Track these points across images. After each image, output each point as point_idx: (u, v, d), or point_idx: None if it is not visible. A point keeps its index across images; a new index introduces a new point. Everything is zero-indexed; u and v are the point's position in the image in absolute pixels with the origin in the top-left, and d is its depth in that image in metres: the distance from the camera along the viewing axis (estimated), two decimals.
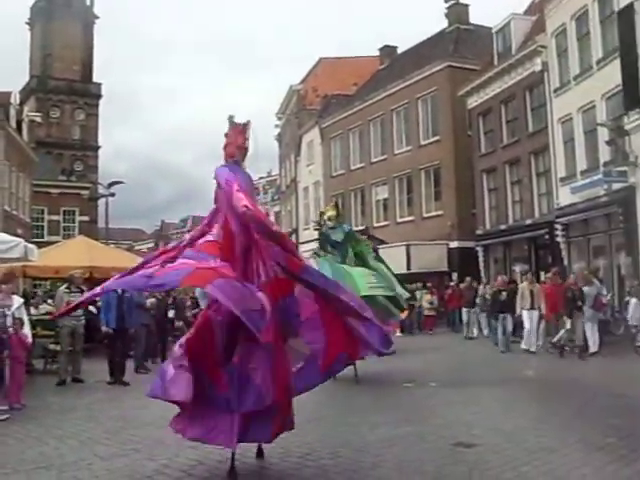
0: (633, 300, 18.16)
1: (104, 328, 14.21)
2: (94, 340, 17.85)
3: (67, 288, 14.25)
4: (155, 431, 8.59)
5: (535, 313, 18.52)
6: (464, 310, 25.46)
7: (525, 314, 18.48)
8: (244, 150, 7.09)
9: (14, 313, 11.56)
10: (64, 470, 6.86)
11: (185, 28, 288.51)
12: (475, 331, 24.78)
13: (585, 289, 17.59)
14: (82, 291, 13.96)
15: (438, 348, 20.96)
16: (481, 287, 25.50)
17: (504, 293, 19.52)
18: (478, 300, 23.99)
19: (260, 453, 7.01)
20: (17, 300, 12.24)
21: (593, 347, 17.06)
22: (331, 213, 15.51)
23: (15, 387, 10.78)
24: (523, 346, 18.49)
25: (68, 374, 13.76)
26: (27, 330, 11.77)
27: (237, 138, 7.04)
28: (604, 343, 17.42)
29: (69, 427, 9.19)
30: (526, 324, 18.45)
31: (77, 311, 13.30)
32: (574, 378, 13.73)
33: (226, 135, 7.13)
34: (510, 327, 19.27)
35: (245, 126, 7.15)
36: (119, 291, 15.08)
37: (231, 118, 7.22)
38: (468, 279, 27.15)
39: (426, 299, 28.61)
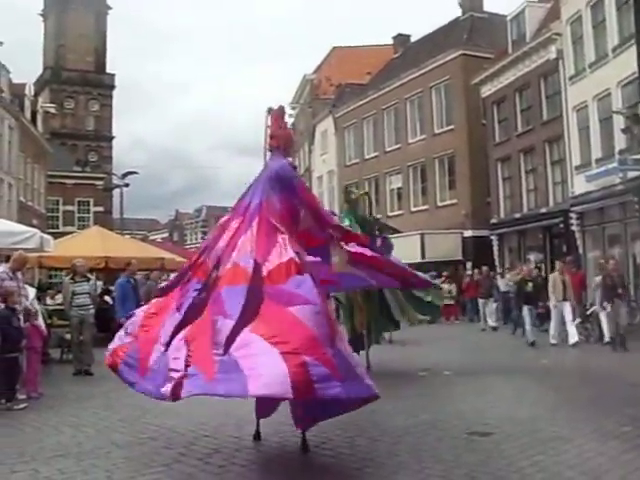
0: None
1: (123, 320, 14.11)
2: (109, 330, 17.96)
3: (71, 278, 14.01)
4: (171, 419, 8.65)
5: (567, 305, 17.44)
6: (481, 301, 24.75)
7: (558, 306, 17.47)
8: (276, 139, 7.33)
9: (31, 303, 11.68)
10: (82, 458, 6.92)
11: (200, 18, 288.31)
12: (491, 322, 23.84)
13: (598, 278, 17.50)
14: (88, 280, 14.05)
15: (454, 338, 20.94)
16: (498, 277, 25.35)
17: (530, 284, 18.48)
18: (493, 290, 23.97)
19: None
20: (31, 290, 12.36)
21: (608, 336, 16.98)
22: (356, 192, 15.45)
23: (32, 376, 10.89)
24: (552, 340, 17.44)
25: (83, 364, 13.55)
26: (41, 320, 11.89)
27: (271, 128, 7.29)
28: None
29: (86, 416, 9.26)
30: (556, 317, 17.51)
31: (84, 301, 13.58)
32: (589, 367, 13.70)
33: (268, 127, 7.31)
34: (530, 319, 18.08)
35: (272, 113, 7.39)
36: (132, 281, 15.18)
37: (269, 110, 7.36)
38: (485, 269, 26.70)
39: (445, 288, 28.39)
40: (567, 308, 17.36)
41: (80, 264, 14.17)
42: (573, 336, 17.04)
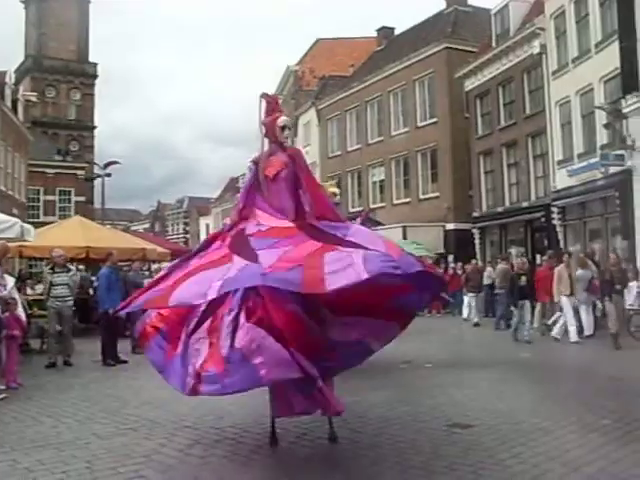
0: (630, 284, 18.13)
1: (111, 310, 13.79)
2: (90, 321, 17.89)
3: (51, 268, 13.69)
4: (152, 411, 8.63)
5: (573, 300, 16.90)
6: (469, 295, 23.71)
7: (564, 300, 16.95)
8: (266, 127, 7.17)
9: (10, 292, 11.59)
10: (62, 449, 6.89)
11: (185, 8, 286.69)
12: (475, 317, 22.78)
13: (579, 272, 17.58)
14: (68, 270, 13.80)
15: (435, 330, 20.94)
16: (488, 269, 25.19)
17: (524, 277, 17.75)
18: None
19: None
20: (10, 280, 12.26)
21: (588, 330, 17.08)
22: (333, 190, 15.42)
23: (11, 366, 10.82)
24: (555, 335, 17.03)
25: (58, 356, 13.32)
26: (20, 310, 11.80)
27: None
28: (599, 326, 17.44)
29: (66, 406, 9.21)
30: (566, 311, 16.88)
31: (61, 292, 13.29)
32: (569, 361, 13.81)
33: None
34: (528, 315, 17.61)
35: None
36: (115, 271, 15.01)
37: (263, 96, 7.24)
38: (474, 261, 26.60)
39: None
40: (573, 303, 16.91)
41: (57, 254, 13.85)
42: (572, 335, 16.54)
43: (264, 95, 7.13)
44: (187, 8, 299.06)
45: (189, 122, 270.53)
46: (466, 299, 24.23)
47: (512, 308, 18.12)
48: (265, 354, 5.67)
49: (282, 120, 6.99)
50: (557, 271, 17.58)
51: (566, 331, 16.85)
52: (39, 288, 19.38)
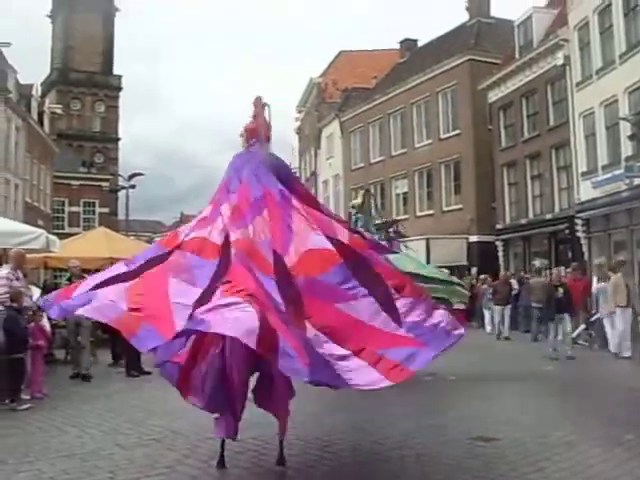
0: None
1: None
2: (114, 331, 17.98)
3: (68, 279, 13.45)
4: (175, 422, 8.66)
5: (629, 311, 16.19)
6: (497, 308, 22.66)
7: (619, 312, 16.16)
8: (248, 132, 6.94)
9: (36, 303, 11.71)
10: (86, 459, 6.93)
11: (208, 20, 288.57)
12: (506, 332, 21.97)
13: (600, 285, 17.43)
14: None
15: (459, 343, 20.81)
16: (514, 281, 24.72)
17: (561, 289, 16.67)
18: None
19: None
20: (35, 291, 12.41)
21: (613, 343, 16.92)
22: (356, 201, 15.36)
23: (36, 377, 10.90)
24: (613, 349, 16.37)
25: (81, 368, 13.03)
26: (45, 320, 11.91)
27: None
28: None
29: (90, 417, 9.27)
30: (619, 325, 16.15)
31: None
32: (594, 374, 13.67)
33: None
34: (568, 328, 16.59)
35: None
36: None
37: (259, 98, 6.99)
38: (503, 274, 25.83)
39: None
40: (628, 316, 16.16)
41: (73, 265, 13.66)
42: (627, 349, 15.93)
43: (256, 99, 6.94)
44: (212, 19, 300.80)
45: (212, 133, 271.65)
46: (488, 313, 23.97)
47: (549, 322, 17.03)
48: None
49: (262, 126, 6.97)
50: (614, 280, 16.78)
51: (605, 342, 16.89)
52: None
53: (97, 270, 22.28)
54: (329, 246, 6.12)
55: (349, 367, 5.32)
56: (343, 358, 5.39)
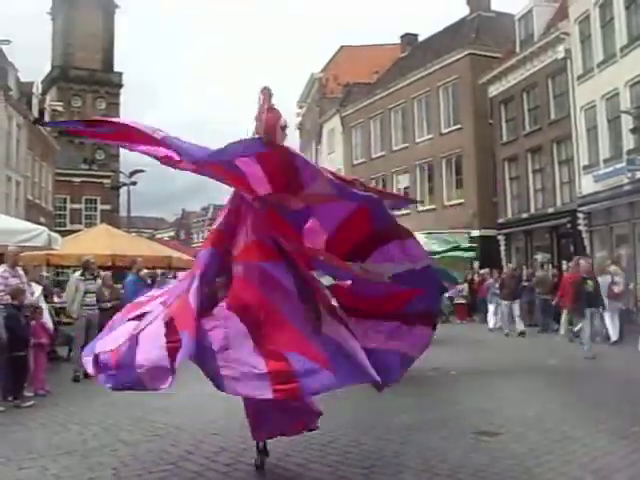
0: None
1: None
2: None
3: (82, 274, 13.09)
4: (178, 418, 8.65)
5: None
6: (504, 302, 21.62)
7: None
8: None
9: (37, 301, 11.72)
10: (89, 456, 6.92)
11: (208, 17, 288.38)
12: (521, 326, 20.86)
13: (600, 279, 17.42)
14: (96, 277, 13.48)
15: (464, 337, 20.81)
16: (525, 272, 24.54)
17: (590, 282, 15.83)
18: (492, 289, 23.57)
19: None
20: (37, 288, 12.39)
21: (614, 336, 16.93)
22: None
23: (39, 374, 10.90)
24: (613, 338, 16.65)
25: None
26: (47, 318, 11.91)
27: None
28: (626, 332, 17.28)
29: (93, 413, 9.26)
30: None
31: (92, 300, 12.86)
32: (597, 367, 13.65)
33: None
34: (598, 324, 16.10)
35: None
36: (149, 281, 15.04)
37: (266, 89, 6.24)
38: (510, 266, 24.86)
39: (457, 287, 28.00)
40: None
41: (93, 261, 13.52)
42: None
43: (264, 89, 6.17)
44: (212, 16, 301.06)
45: (214, 129, 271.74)
46: (492, 307, 23.60)
47: (579, 318, 16.44)
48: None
49: (284, 120, 6.19)
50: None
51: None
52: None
53: (99, 267, 22.28)
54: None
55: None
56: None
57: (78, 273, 13.47)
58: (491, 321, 23.62)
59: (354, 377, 5.30)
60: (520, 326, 20.87)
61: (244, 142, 5.27)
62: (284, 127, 6.21)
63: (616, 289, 17.91)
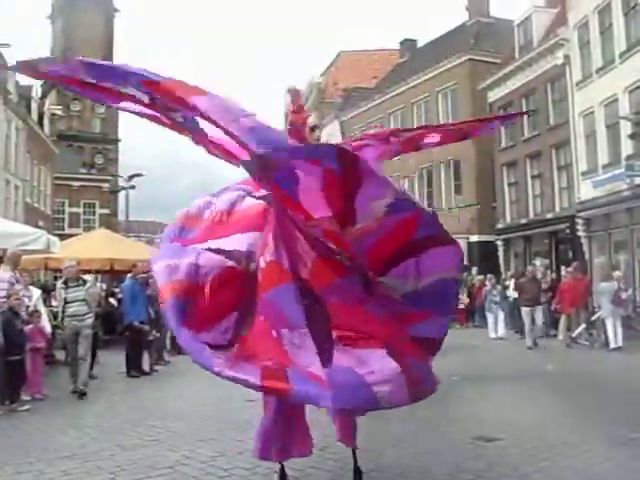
0: None
1: (136, 323, 13.77)
2: (114, 332, 17.99)
3: (63, 283, 11.88)
4: (175, 422, 8.64)
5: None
6: (525, 309, 19.10)
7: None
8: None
9: (35, 304, 11.70)
10: (87, 460, 6.91)
11: (208, 21, 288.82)
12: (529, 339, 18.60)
13: (603, 285, 17.42)
14: (84, 283, 11.98)
15: (463, 343, 20.74)
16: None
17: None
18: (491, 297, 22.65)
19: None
20: (35, 292, 12.36)
21: (614, 342, 16.92)
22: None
23: (36, 378, 10.89)
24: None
25: (79, 382, 11.38)
26: (45, 321, 11.87)
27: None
28: (625, 338, 17.28)
29: (90, 417, 9.25)
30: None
31: (78, 309, 11.43)
32: (596, 373, 13.64)
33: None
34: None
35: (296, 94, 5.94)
36: (139, 282, 14.95)
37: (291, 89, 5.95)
38: (530, 269, 21.92)
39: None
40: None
41: (68, 265, 11.97)
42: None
43: (291, 89, 5.94)
44: (211, 20, 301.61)
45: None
46: (491, 317, 22.47)
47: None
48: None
49: (313, 120, 5.94)
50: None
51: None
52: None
53: (97, 271, 22.31)
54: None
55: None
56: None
57: (61, 281, 12.42)
58: (497, 330, 22.19)
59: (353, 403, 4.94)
60: (528, 341, 18.58)
61: (313, 148, 5.03)
62: (314, 128, 5.92)
63: (623, 295, 17.99)
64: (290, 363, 4.77)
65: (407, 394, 4.95)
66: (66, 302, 11.50)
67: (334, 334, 5.25)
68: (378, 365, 4.95)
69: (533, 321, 19.00)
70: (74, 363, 11.50)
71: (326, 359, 4.91)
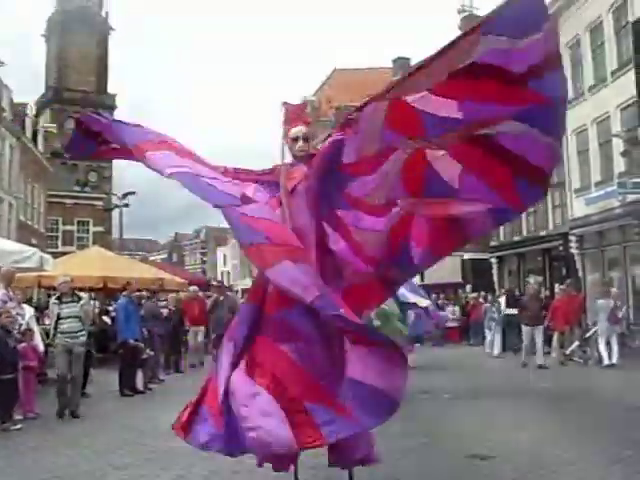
0: None
1: (130, 341, 13.76)
2: (108, 350, 17.91)
3: (57, 298, 11.56)
4: (169, 441, 8.54)
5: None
6: (526, 329, 18.38)
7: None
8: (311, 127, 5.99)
9: (28, 323, 11.65)
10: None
11: (201, 41, 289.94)
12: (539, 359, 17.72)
13: (601, 302, 17.43)
14: (78, 299, 11.72)
15: (457, 361, 20.75)
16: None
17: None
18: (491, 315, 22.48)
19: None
20: (28, 310, 12.30)
21: (607, 359, 16.92)
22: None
23: (29, 396, 10.82)
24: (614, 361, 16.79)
25: (70, 404, 11.13)
26: (38, 340, 11.81)
27: (302, 116, 5.93)
28: (620, 355, 17.28)
29: (83, 437, 9.19)
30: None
31: (71, 326, 11.12)
32: (590, 390, 13.62)
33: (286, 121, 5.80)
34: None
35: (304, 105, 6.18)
36: (133, 300, 14.90)
37: (285, 103, 5.96)
38: (533, 285, 21.12)
39: (449, 310, 27.91)
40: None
41: (63, 281, 11.58)
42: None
43: (284, 104, 5.99)
44: (205, 39, 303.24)
45: (207, 151, 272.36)
46: (489, 335, 22.26)
47: None
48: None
49: (293, 132, 5.77)
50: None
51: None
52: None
53: (91, 289, 22.22)
54: None
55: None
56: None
57: (54, 297, 12.08)
58: (488, 349, 22.15)
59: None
60: (540, 359, 17.70)
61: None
62: (295, 139, 5.73)
63: (620, 314, 18.02)
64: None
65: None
66: (60, 318, 11.16)
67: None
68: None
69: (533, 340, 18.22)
70: (62, 382, 11.08)
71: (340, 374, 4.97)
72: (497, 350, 21.72)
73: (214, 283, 22.49)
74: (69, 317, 11.15)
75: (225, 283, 65.48)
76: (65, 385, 11.05)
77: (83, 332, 11.41)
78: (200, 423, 5.31)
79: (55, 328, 11.28)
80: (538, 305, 19.05)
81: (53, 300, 11.88)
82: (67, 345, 11.07)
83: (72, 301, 11.34)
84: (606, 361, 16.86)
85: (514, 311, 20.76)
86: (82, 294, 13.50)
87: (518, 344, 20.15)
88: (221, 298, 17.12)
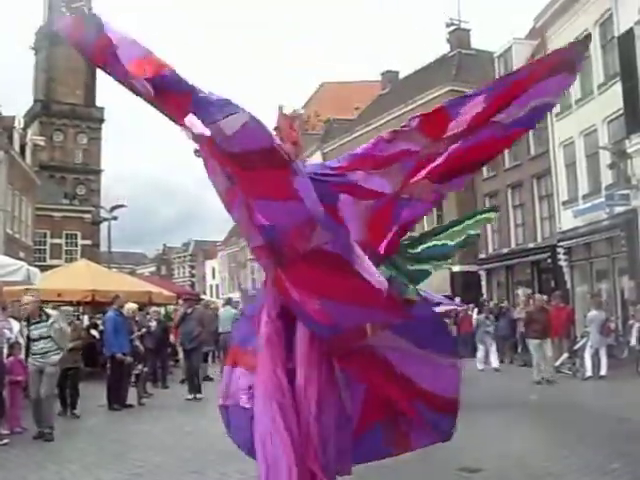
0: (637, 324, 18.04)
1: (119, 355, 13.54)
2: (96, 364, 17.82)
3: (25, 319, 11.24)
4: (157, 456, 8.54)
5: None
6: (533, 342, 17.23)
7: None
8: (299, 147, 5.82)
9: (16, 337, 11.58)
10: None
11: (190, 55, 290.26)
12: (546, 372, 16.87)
13: (592, 313, 17.46)
14: (47, 317, 10.78)
15: None
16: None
17: None
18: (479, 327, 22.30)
19: None
20: (15, 324, 12.22)
21: (589, 371, 16.92)
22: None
23: (15, 411, 10.74)
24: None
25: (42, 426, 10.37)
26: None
27: (291, 133, 5.67)
28: (608, 367, 17.30)
29: (70, 451, 9.14)
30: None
31: (42, 347, 10.53)
32: (579, 402, 13.64)
33: (277, 129, 5.59)
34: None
35: (295, 119, 5.89)
36: (121, 314, 14.78)
37: (281, 108, 5.94)
38: (539, 297, 19.60)
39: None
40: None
41: (25, 302, 10.92)
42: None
43: (279, 108, 5.96)
44: (194, 53, 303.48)
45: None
46: (482, 349, 21.72)
47: None
48: None
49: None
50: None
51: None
52: None
53: (79, 303, 22.09)
54: None
55: None
56: None
57: (23, 319, 11.63)
58: (480, 364, 21.53)
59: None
60: (547, 373, 16.92)
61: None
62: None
63: (612, 325, 18.07)
64: None
65: None
66: (30, 340, 10.79)
67: None
68: None
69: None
70: (37, 404, 10.48)
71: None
72: (495, 363, 21.24)
73: (186, 297, 22.28)
74: (40, 338, 10.61)
75: (214, 296, 65.31)
76: (40, 407, 10.49)
77: (57, 351, 10.70)
78: None
79: (27, 348, 11.00)
80: (546, 317, 17.85)
81: (22, 323, 11.55)
82: (38, 366, 10.56)
83: (40, 322, 10.68)
84: (588, 373, 16.88)
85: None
86: (53, 312, 12.25)
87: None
88: (189, 311, 17.02)
